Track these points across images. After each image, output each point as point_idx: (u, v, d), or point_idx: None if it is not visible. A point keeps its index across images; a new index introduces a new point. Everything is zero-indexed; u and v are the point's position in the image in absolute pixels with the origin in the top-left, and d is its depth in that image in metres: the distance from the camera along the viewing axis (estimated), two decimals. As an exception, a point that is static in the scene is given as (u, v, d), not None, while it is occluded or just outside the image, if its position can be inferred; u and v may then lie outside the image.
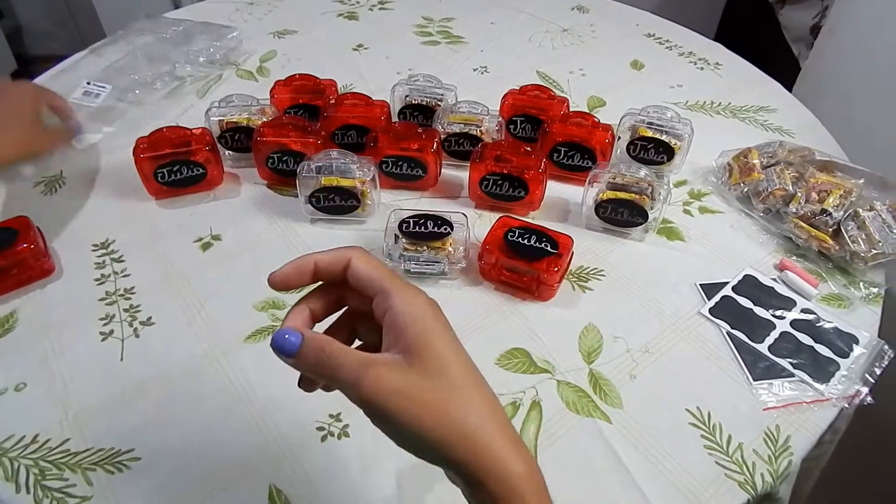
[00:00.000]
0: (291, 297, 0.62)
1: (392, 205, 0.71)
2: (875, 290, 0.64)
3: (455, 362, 0.33)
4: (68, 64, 0.98)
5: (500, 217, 0.66)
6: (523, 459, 0.32)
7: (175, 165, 0.71)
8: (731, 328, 0.60)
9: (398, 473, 0.50)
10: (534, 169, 0.69)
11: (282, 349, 0.33)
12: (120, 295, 0.63)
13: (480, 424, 0.32)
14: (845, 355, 0.58)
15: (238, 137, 0.76)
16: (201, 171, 0.72)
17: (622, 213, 0.68)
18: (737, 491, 0.49)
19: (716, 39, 1.06)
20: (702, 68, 0.99)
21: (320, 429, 0.52)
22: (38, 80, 0.94)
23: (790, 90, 0.97)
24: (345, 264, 0.36)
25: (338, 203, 0.69)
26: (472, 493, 0.32)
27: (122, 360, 0.58)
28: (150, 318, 0.61)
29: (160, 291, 0.64)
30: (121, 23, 1.07)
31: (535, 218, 0.72)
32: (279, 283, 0.36)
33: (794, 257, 0.68)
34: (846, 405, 0.55)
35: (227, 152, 0.78)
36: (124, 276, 0.65)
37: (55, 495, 0.48)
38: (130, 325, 0.61)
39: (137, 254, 0.68)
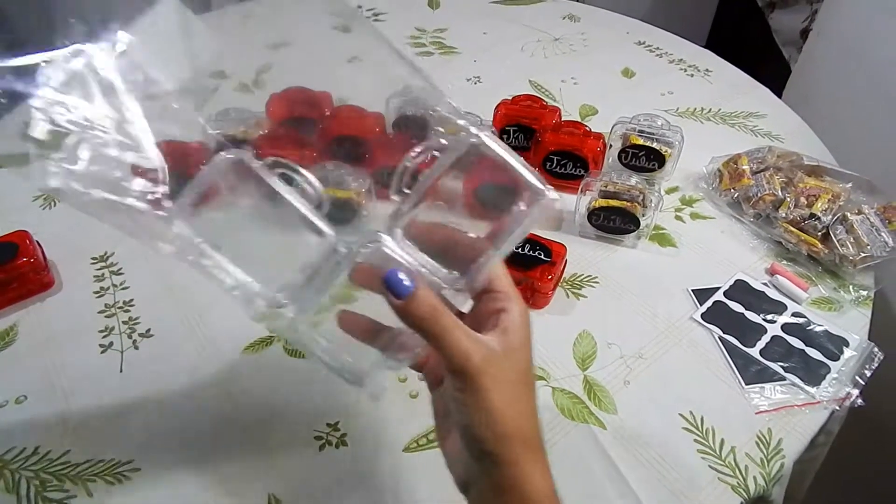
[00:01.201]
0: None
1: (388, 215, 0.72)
2: (864, 292, 0.65)
3: (530, 372, 0.36)
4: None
5: (493, 226, 0.66)
6: (548, 483, 0.34)
7: (173, 178, 0.72)
8: (723, 333, 0.61)
9: (395, 482, 0.50)
10: (527, 178, 0.70)
11: (395, 287, 0.33)
12: (119, 307, 0.64)
13: (532, 436, 0.34)
14: (836, 358, 0.59)
15: (234, 150, 0.77)
16: (198, 183, 0.73)
17: (614, 221, 0.69)
18: (730, 494, 0.50)
19: (706, 45, 1.08)
20: (692, 75, 1.01)
21: (318, 437, 0.53)
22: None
23: (781, 94, 0.98)
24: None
25: (334, 215, 0.70)
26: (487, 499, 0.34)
27: (121, 371, 0.58)
28: (148, 330, 0.62)
29: (159, 303, 0.64)
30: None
31: (529, 226, 0.73)
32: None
33: (785, 261, 0.69)
34: (837, 408, 0.56)
35: (223, 165, 0.78)
36: (123, 289, 0.66)
37: (56, 508, 0.49)
38: (129, 336, 0.61)
39: (136, 266, 0.69)
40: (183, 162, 0.73)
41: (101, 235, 0.72)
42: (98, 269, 0.68)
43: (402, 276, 0.33)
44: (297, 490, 0.50)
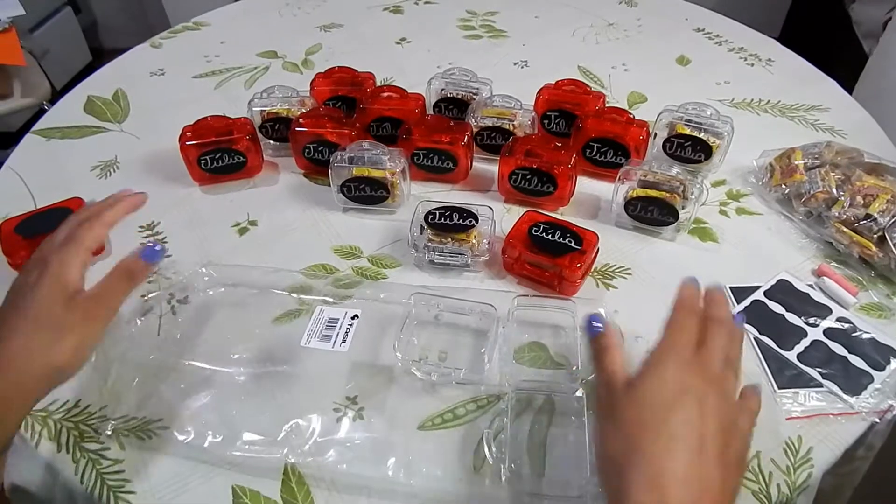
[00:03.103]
0: (318, 283, 0.64)
1: (422, 196, 0.72)
2: (920, 300, 0.61)
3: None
4: (129, 56, 1.04)
5: (525, 211, 0.66)
6: None
7: (218, 153, 0.74)
8: (759, 333, 0.58)
9: (409, 457, 0.51)
10: (563, 164, 0.69)
11: (592, 330, 0.45)
12: (160, 274, 0.67)
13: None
14: (881, 368, 0.55)
15: (278, 127, 0.79)
16: (242, 159, 0.76)
17: (652, 212, 0.67)
18: (750, 500, 0.48)
19: (780, 37, 1.02)
20: (752, 64, 0.96)
21: (336, 409, 0.54)
22: (103, 69, 1.00)
23: (853, 89, 0.92)
24: None
25: (368, 193, 0.71)
26: None
27: (158, 334, 0.61)
28: (186, 297, 0.65)
29: (198, 271, 0.67)
30: (186, 17, 1.13)
31: (565, 214, 0.72)
32: None
33: (834, 263, 0.65)
34: (877, 420, 0.52)
35: (267, 141, 0.81)
36: (166, 257, 0.69)
37: (91, 457, 0.52)
38: (168, 302, 0.64)
39: (180, 236, 0.72)
40: (226, 135, 0.76)
41: (150, 205, 0.74)
42: (144, 237, 0.72)
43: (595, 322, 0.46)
44: (313, 456, 0.51)
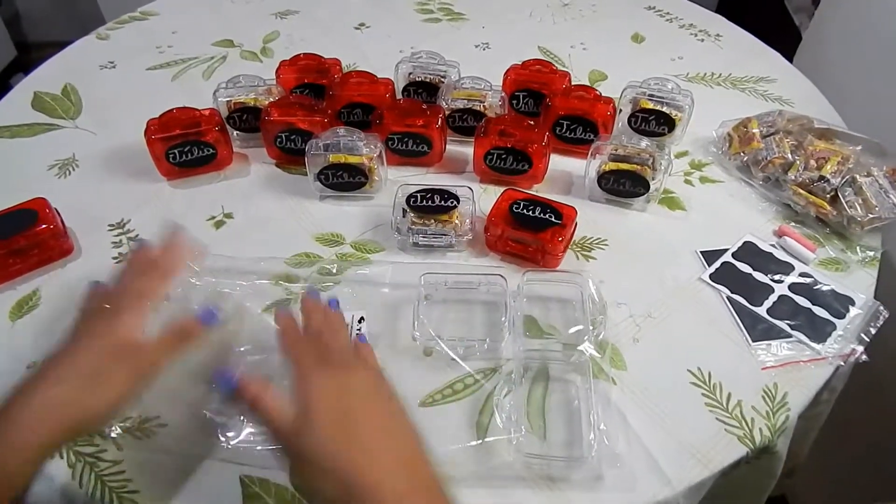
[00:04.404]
0: (304, 271, 0.64)
1: (399, 181, 0.73)
2: (871, 253, 0.66)
3: None
4: (74, 49, 0.99)
5: (504, 190, 0.67)
6: None
7: (186, 146, 0.73)
8: (731, 293, 0.62)
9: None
10: (537, 142, 0.71)
11: (228, 384, 0.44)
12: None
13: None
14: (841, 316, 0.60)
15: (246, 118, 0.78)
16: (211, 151, 0.74)
17: (624, 184, 0.69)
18: (736, 444, 0.51)
19: (717, 11, 1.07)
20: (702, 40, 1.00)
21: (337, 394, 0.55)
22: (48, 63, 0.95)
23: (791, 61, 0.97)
24: None
25: (346, 180, 0.71)
26: None
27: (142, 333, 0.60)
28: (167, 294, 0.63)
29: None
30: (120, 8, 1.08)
31: (539, 191, 0.74)
32: None
33: (793, 223, 0.69)
34: (842, 363, 0.57)
35: (235, 132, 0.79)
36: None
37: (87, 460, 0.51)
38: (150, 300, 0.62)
39: (153, 232, 0.69)
40: (194, 127, 0.74)
41: (117, 203, 0.73)
42: (116, 236, 0.69)
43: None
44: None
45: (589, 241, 0.68)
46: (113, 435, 0.52)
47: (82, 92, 0.90)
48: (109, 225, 0.71)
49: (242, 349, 0.57)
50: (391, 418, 0.43)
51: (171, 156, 0.73)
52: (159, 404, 0.53)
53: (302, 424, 0.41)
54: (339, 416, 0.41)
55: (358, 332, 0.58)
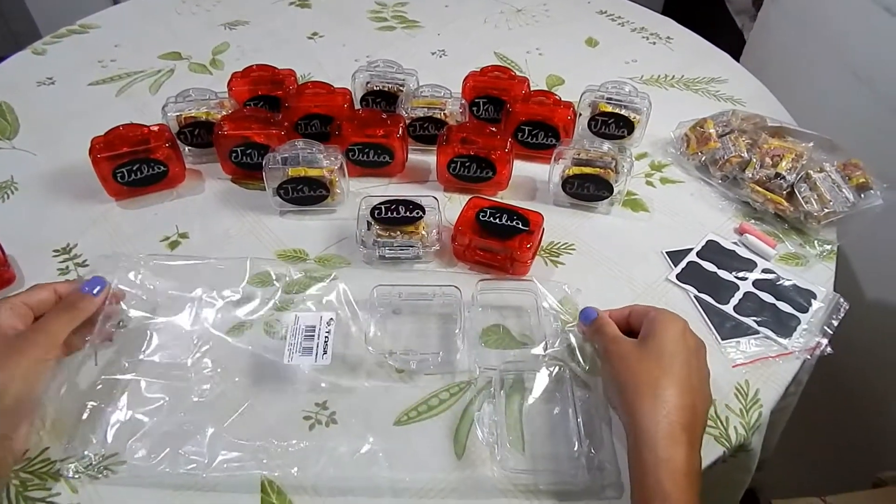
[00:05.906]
0: (267, 291, 0.62)
1: (361, 192, 0.71)
2: (828, 247, 0.68)
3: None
4: (8, 65, 0.94)
5: (470, 198, 0.66)
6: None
7: (135, 164, 0.69)
8: (698, 292, 0.63)
9: (389, 455, 0.50)
10: (500, 149, 0.70)
11: (587, 318, 0.55)
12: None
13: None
14: (805, 310, 0.61)
15: (198, 133, 0.75)
16: (162, 168, 0.71)
17: (588, 188, 0.69)
18: (713, 445, 0.51)
19: (663, 13, 1.09)
20: (654, 43, 1.02)
21: (307, 417, 0.53)
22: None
23: (737, 61, 1.00)
24: None
25: (307, 193, 0.69)
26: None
27: (96, 364, 0.56)
28: (121, 322, 0.60)
29: (129, 292, 0.62)
30: (57, 22, 1.03)
31: (504, 197, 0.73)
32: None
33: (753, 220, 0.71)
34: (808, 356, 0.58)
35: (187, 148, 0.76)
36: (90, 281, 0.63)
37: (39, 506, 0.47)
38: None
39: (101, 255, 0.66)
40: (143, 144, 0.71)
41: (62, 227, 0.69)
42: (62, 262, 0.65)
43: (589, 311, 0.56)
44: (290, 469, 0.49)
45: (557, 247, 0.68)
46: (71, 475, 0.48)
47: (18, 110, 0.85)
48: (55, 250, 0.67)
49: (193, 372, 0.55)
50: (704, 383, 0.50)
51: (118, 175, 0.69)
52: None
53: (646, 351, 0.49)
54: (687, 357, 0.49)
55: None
